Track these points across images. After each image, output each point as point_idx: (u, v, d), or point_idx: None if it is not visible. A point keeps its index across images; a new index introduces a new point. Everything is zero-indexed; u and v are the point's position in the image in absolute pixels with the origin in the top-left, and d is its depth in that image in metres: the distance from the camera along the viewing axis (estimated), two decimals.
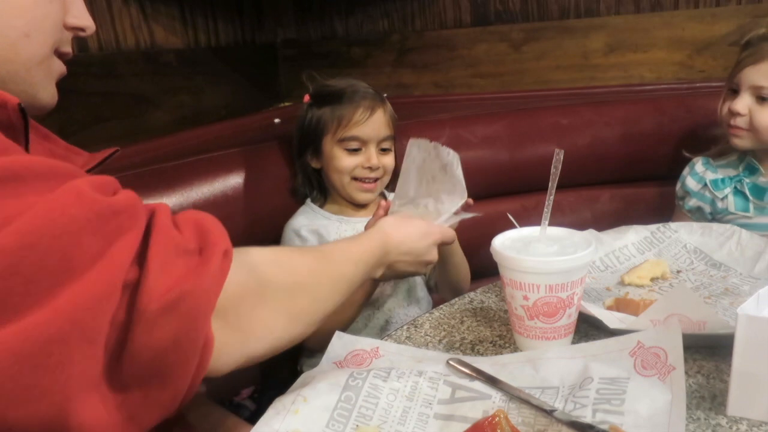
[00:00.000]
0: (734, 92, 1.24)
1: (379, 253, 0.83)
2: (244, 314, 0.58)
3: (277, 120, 1.75)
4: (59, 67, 0.67)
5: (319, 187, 1.31)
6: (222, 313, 0.55)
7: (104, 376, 0.49)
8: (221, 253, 0.55)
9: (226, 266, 0.55)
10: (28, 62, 0.62)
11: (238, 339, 0.58)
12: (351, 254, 0.78)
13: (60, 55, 0.66)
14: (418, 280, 1.32)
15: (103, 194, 0.51)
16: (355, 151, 1.21)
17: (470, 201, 1.00)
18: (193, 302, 0.51)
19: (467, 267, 1.26)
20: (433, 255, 0.94)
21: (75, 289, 0.46)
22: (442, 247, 1.03)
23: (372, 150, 1.22)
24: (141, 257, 0.51)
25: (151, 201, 1.10)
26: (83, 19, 0.68)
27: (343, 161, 1.21)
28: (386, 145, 1.24)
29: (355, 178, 1.23)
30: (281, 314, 0.63)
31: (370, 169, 1.21)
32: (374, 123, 1.21)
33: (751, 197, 1.25)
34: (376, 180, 1.23)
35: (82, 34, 0.68)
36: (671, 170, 1.43)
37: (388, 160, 1.25)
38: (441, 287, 1.30)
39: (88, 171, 0.68)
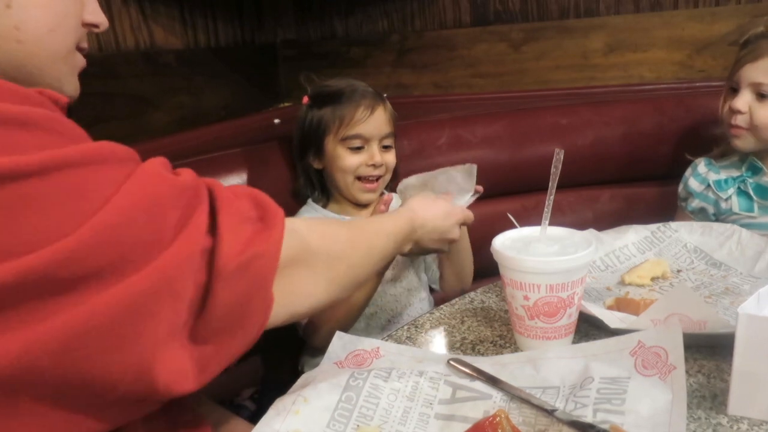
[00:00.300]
0: (734, 91, 1.24)
1: (407, 229, 0.90)
2: (290, 276, 0.65)
3: (276, 120, 1.75)
4: (80, 61, 0.71)
5: (321, 188, 1.31)
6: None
7: (186, 329, 0.56)
8: (281, 220, 0.64)
9: (283, 232, 0.63)
10: (53, 56, 0.66)
11: (285, 298, 0.64)
12: (382, 228, 0.85)
13: (79, 49, 0.70)
14: (420, 282, 1.32)
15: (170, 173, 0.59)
16: (357, 149, 1.22)
17: (479, 188, 1.08)
18: (262, 263, 0.60)
19: (472, 259, 1.26)
20: (456, 233, 1.00)
21: (165, 257, 0.53)
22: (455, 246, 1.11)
23: (374, 147, 1.22)
24: (212, 226, 0.58)
25: None
26: (97, 15, 0.72)
27: (347, 160, 1.22)
28: (388, 142, 1.25)
29: (358, 178, 1.23)
30: (321, 278, 0.70)
31: (374, 166, 1.22)
32: (375, 120, 1.22)
33: (755, 197, 1.25)
34: (378, 178, 1.24)
35: (96, 30, 0.73)
36: (671, 170, 1.44)
37: (390, 157, 1.25)
38: (444, 279, 1.30)
39: None
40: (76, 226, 0.49)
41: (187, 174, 0.61)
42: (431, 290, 1.35)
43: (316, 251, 0.69)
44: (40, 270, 0.47)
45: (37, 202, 0.48)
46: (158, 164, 0.58)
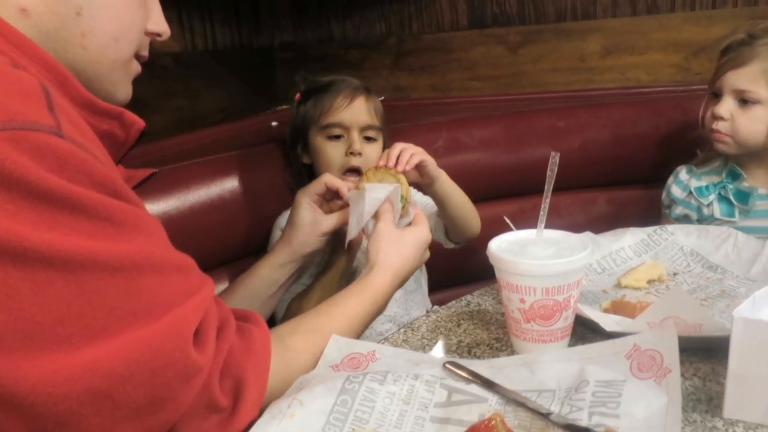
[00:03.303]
0: (716, 96, 1.25)
1: (387, 293, 0.88)
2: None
3: (274, 123, 1.76)
4: (136, 68, 0.72)
5: None
6: None
7: None
8: (251, 411, 0.63)
9: (246, 425, 0.62)
10: (114, 64, 0.66)
11: None
12: (359, 312, 0.84)
13: (138, 57, 0.71)
14: (418, 284, 1.32)
15: (199, 325, 0.58)
16: (337, 138, 1.21)
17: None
18: None
19: (472, 206, 1.26)
20: (426, 256, 0.98)
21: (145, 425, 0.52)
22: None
23: (355, 135, 1.21)
24: None
25: (149, 205, 1.11)
26: (161, 25, 0.73)
27: (329, 151, 1.21)
28: (370, 134, 1.23)
29: (344, 173, 1.21)
30: (293, 380, 0.71)
31: (353, 154, 1.20)
32: (355, 109, 1.21)
33: (735, 202, 1.27)
34: (360, 172, 1.20)
35: (158, 39, 0.74)
36: (668, 173, 1.44)
37: (371, 150, 1.23)
38: (450, 230, 1.29)
39: (135, 187, 0.74)
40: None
41: (207, 355, 0.58)
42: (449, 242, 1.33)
43: (298, 366, 0.73)
44: None
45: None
46: (193, 314, 0.57)
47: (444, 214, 1.25)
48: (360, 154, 1.20)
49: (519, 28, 1.79)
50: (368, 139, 1.23)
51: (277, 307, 1.16)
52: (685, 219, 1.33)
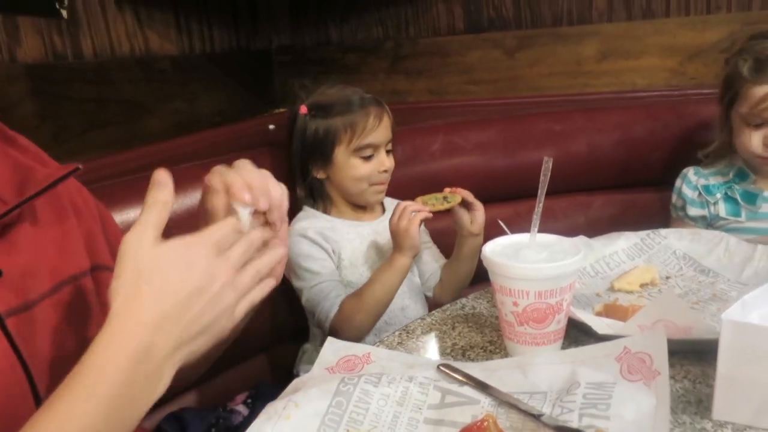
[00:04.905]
0: (757, 126, 1.23)
1: (134, 353, 0.52)
2: None
3: (271, 126, 1.76)
4: None
5: (322, 196, 1.32)
6: None
7: None
8: None
9: None
10: None
11: None
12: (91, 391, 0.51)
13: None
14: (415, 283, 1.33)
15: None
16: (368, 157, 1.25)
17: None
18: None
19: (468, 281, 1.30)
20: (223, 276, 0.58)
21: None
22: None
23: (383, 154, 1.27)
24: None
25: None
26: None
27: (361, 169, 1.25)
28: (389, 146, 1.29)
29: (371, 183, 1.27)
30: None
31: (385, 171, 1.27)
32: (384, 128, 1.26)
33: (742, 203, 1.27)
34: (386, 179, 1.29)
35: None
36: (663, 176, 1.45)
37: (392, 160, 1.29)
38: (443, 285, 1.33)
39: (48, 187, 0.63)
40: None
41: None
42: (426, 297, 1.36)
43: None
44: None
45: None
46: None
47: (451, 264, 1.31)
48: (389, 169, 1.27)
49: (515, 32, 1.80)
50: (388, 151, 1.29)
51: (328, 306, 1.19)
52: (702, 220, 1.34)
